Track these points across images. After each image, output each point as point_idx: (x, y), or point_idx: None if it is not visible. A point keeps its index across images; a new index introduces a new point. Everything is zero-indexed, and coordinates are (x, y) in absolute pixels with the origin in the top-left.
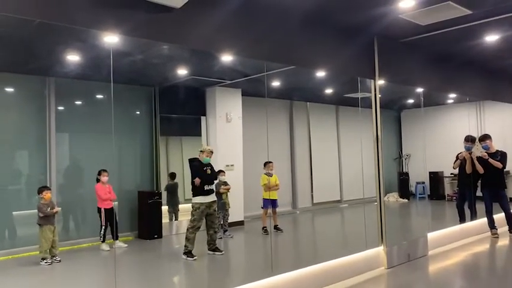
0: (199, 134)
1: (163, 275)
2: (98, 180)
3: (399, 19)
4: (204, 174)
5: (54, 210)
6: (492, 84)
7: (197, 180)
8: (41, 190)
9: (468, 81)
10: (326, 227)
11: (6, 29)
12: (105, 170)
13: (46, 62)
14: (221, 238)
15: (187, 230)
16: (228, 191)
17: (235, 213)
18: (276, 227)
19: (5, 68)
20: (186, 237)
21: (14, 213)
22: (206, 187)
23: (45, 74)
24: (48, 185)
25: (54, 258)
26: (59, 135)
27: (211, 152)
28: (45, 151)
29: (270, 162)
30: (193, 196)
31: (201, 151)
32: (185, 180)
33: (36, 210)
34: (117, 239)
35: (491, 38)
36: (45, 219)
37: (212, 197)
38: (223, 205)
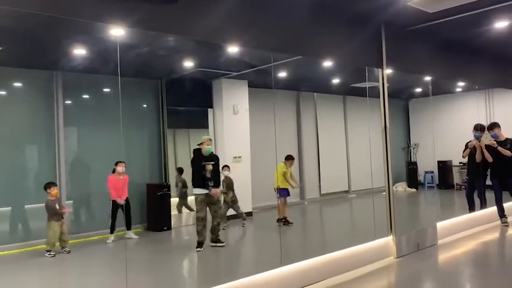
0: (207, 126)
1: (171, 266)
2: (113, 171)
3: (406, 7)
4: (201, 170)
5: (64, 210)
6: (501, 71)
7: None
8: (48, 186)
9: (477, 69)
10: (334, 218)
11: (13, 23)
12: (122, 162)
13: (53, 56)
14: (224, 229)
15: (196, 222)
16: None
17: (244, 204)
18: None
19: (13, 63)
20: (196, 230)
21: (25, 206)
22: (206, 183)
23: (52, 68)
24: (57, 179)
25: (64, 249)
26: (67, 129)
27: (210, 140)
28: (54, 145)
29: (292, 158)
30: (193, 187)
31: (199, 144)
32: None
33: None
34: (129, 229)
35: (501, 24)
36: (53, 214)
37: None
38: (223, 201)
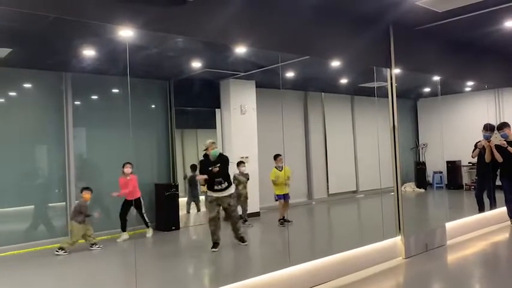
0: (214, 127)
1: (179, 266)
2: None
3: (415, 6)
4: (209, 173)
5: (97, 215)
6: (511, 71)
7: (200, 177)
8: (81, 190)
9: (486, 68)
10: (342, 218)
11: (22, 25)
12: (128, 163)
13: (62, 58)
14: (251, 225)
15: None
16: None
17: (251, 204)
18: (284, 219)
19: (22, 64)
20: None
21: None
22: (216, 186)
23: (61, 70)
24: (66, 178)
25: (97, 246)
26: (76, 130)
27: (213, 143)
28: (64, 146)
29: (278, 155)
30: (206, 188)
31: (205, 150)
32: None
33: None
34: (147, 227)
35: (510, 23)
36: (77, 215)
37: (224, 193)
38: (238, 196)
